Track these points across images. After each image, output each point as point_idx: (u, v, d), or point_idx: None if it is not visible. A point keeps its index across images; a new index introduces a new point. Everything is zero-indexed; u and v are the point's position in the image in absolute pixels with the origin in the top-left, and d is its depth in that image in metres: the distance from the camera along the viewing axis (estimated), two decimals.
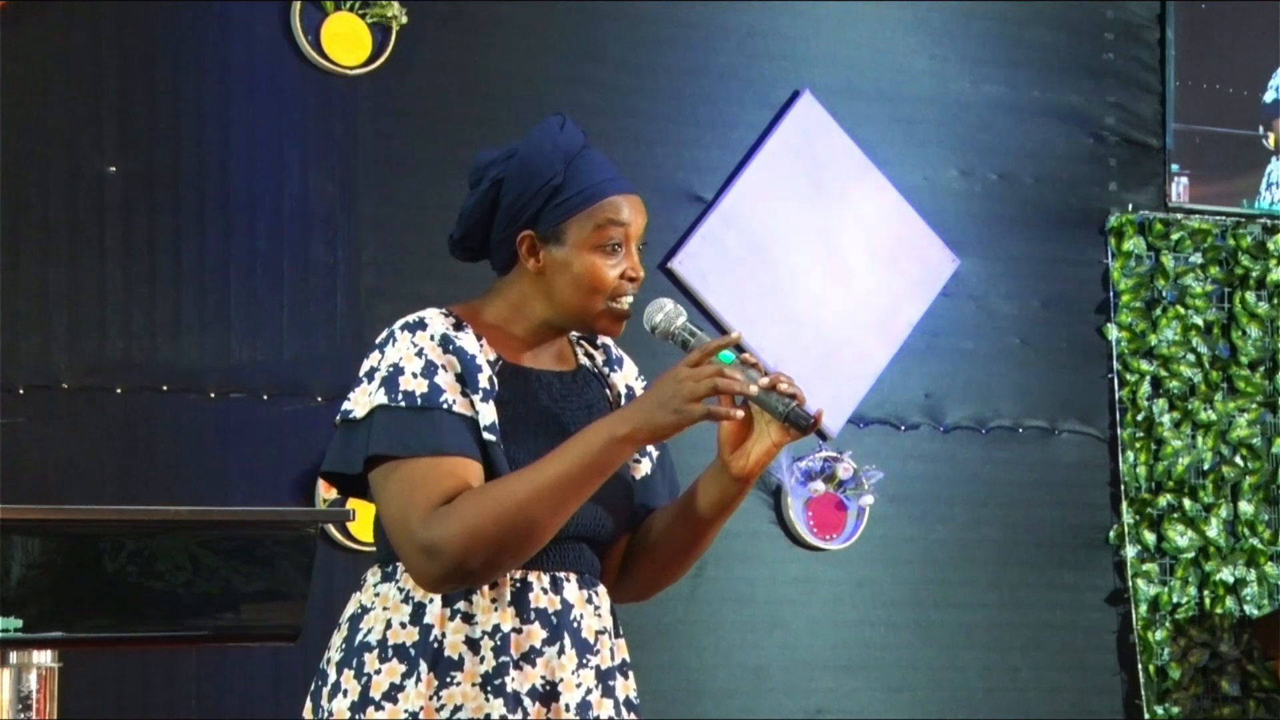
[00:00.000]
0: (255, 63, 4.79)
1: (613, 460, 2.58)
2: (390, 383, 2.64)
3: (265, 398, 4.73)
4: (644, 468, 2.84)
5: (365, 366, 2.69)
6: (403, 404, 2.62)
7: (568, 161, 2.75)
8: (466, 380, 2.65)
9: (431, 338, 2.67)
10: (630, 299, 2.73)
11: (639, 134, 5.18)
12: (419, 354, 2.65)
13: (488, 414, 2.64)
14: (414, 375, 2.63)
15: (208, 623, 1.93)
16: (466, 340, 2.69)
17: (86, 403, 4.59)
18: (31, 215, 4.58)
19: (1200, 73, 5.85)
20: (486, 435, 2.63)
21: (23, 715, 1.89)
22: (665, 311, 2.72)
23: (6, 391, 4.51)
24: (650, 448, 2.85)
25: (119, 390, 4.62)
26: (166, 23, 4.71)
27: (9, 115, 4.54)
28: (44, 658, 1.91)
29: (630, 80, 5.20)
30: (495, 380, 2.68)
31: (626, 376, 2.88)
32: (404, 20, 4.87)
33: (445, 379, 2.64)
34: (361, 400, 2.66)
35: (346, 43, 4.84)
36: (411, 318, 2.70)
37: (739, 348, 2.68)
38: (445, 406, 2.62)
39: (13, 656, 1.89)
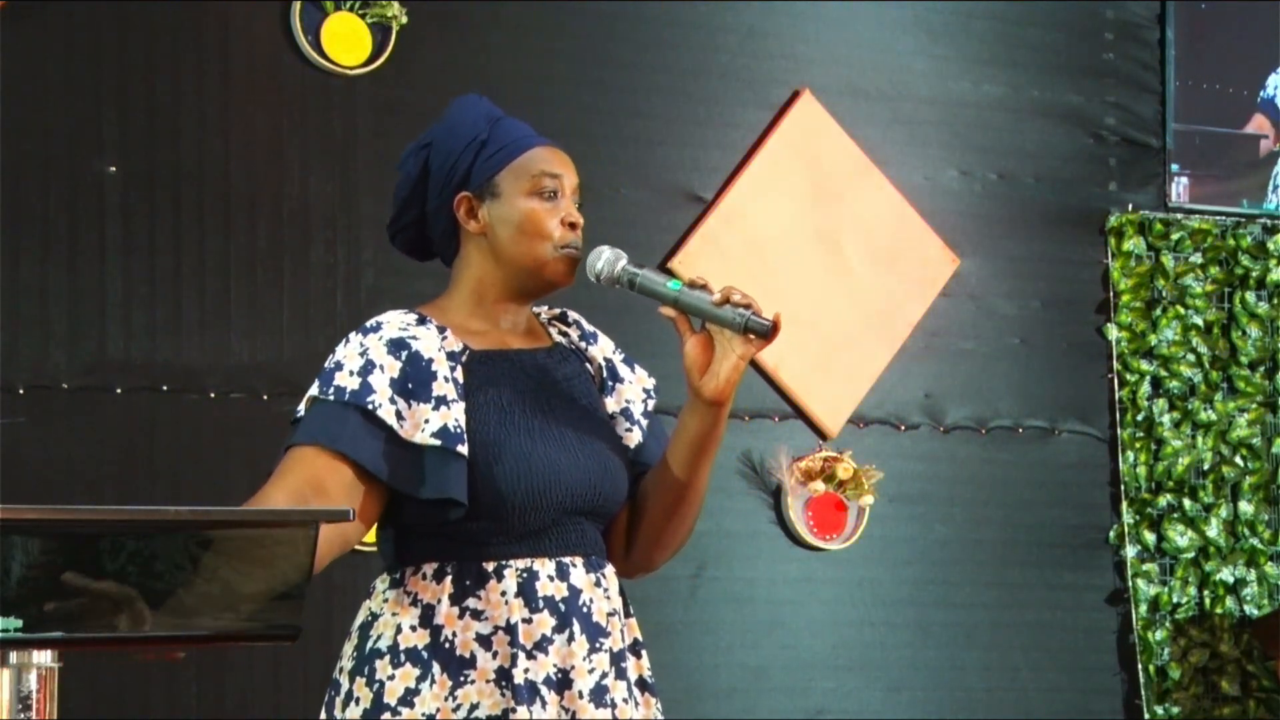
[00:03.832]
0: (255, 63, 4.79)
1: None
2: (326, 378, 2.67)
3: (265, 398, 4.73)
4: (635, 436, 2.84)
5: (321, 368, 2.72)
6: (331, 398, 2.64)
7: (492, 122, 2.79)
8: (415, 389, 2.64)
9: (380, 339, 2.68)
10: (574, 242, 2.75)
11: (639, 134, 5.18)
12: (362, 354, 2.67)
13: (439, 420, 2.63)
14: (351, 373, 2.65)
15: (208, 623, 1.92)
16: (425, 340, 2.68)
17: (86, 403, 4.59)
18: (31, 215, 4.58)
19: (1200, 73, 5.85)
20: (432, 441, 2.62)
21: (22, 715, 1.89)
22: (605, 258, 2.73)
23: (6, 391, 4.51)
24: (639, 415, 2.86)
25: (119, 390, 4.62)
26: (166, 23, 4.71)
27: (9, 115, 4.54)
28: (44, 658, 1.91)
29: (630, 80, 5.20)
30: (463, 373, 2.69)
31: (604, 350, 2.90)
32: (404, 20, 4.87)
33: (379, 380, 2.64)
34: (306, 398, 2.69)
35: (346, 43, 4.84)
36: (370, 321, 2.73)
37: (670, 272, 2.69)
38: (371, 406, 2.62)
39: (13, 656, 1.88)
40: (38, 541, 1.81)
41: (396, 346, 2.67)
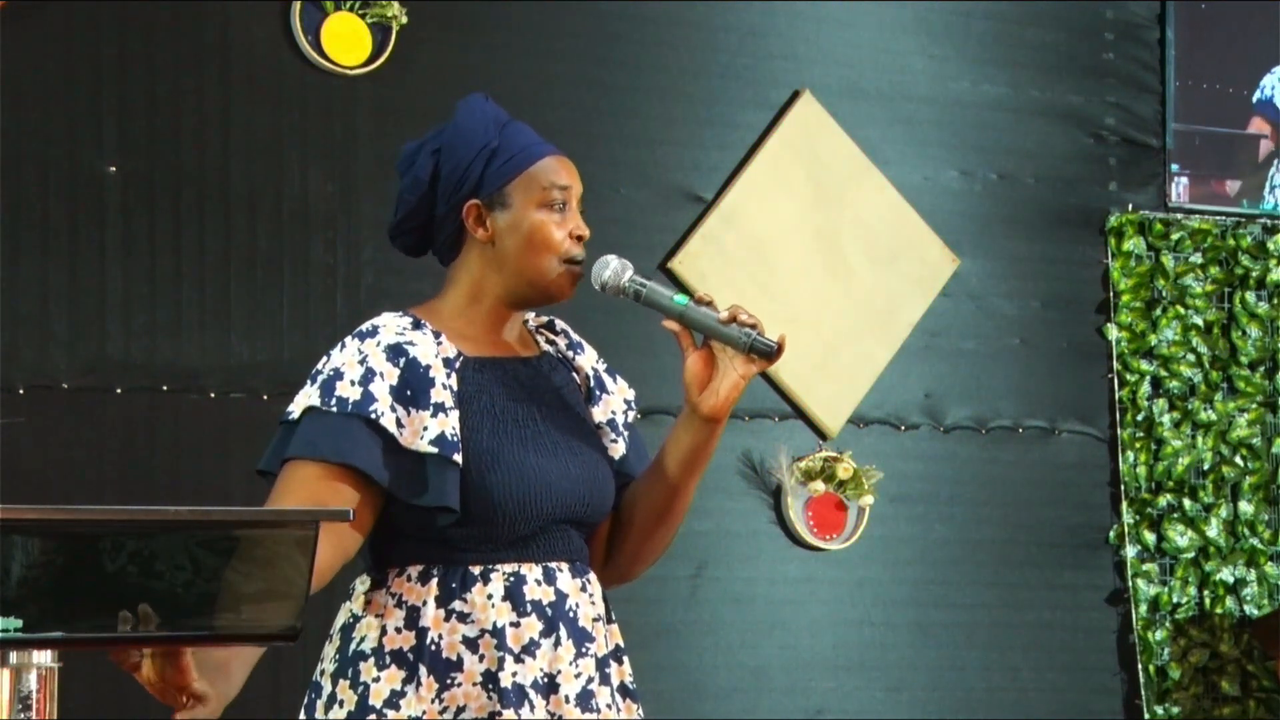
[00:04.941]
0: (255, 63, 4.79)
1: None
2: (326, 387, 2.64)
3: (265, 398, 4.73)
4: (620, 447, 2.85)
5: (314, 370, 2.69)
6: (334, 409, 2.62)
7: (500, 127, 2.79)
8: (414, 396, 2.64)
9: (378, 344, 2.66)
10: (580, 256, 2.76)
11: (639, 134, 5.18)
12: (361, 361, 2.65)
13: (437, 428, 2.63)
14: (351, 382, 2.63)
15: (208, 623, 1.92)
16: (422, 345, 2.67)
17: (86, 403, 4.59)
18: (31, 215, 4.58)
19: (1200, 73, 5.85)
20: (429, 449, 2.61)
21: (22, 715, 1.89)
22: (612, 268, 2.74)
23: (6, 391, 4.51)
24: (621, 426, 2.86)
25: (119, 390, 4.62)
26: (166, 23, 4.70)
27: (9, 115, 4.54)
28: (44, 658, 1.91)
29: (631, 80, 5.20)
30: (456, 379, 2.68)
31: (590, 359, 2.91)
32: (404, 20, 4.87)
33: (380, 388, 2.63)
34: (300, 402, 2.67)
35: (346, 43, 4.84)
36: (365, 325, 2.71)
37: (686, 289, 2.70)
38: (374, 415, 2.61)
39: (13, 656, 1.88)
40: (38, 541, 1.81)
41: (395, 353, 2.66)
